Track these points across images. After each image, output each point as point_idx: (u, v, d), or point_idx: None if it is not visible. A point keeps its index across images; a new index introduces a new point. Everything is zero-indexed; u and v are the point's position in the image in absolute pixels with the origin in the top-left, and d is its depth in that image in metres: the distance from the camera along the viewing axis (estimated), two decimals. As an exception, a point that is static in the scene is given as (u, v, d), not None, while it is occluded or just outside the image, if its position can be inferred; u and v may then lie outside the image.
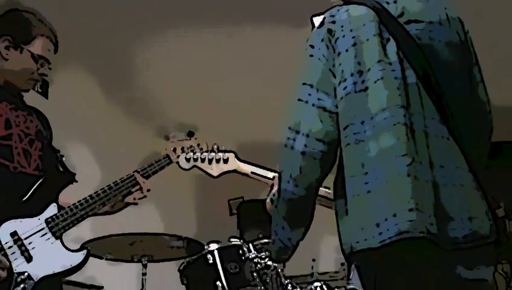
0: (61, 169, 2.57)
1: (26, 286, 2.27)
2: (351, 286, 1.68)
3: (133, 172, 2.63)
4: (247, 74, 4.60)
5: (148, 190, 2.64)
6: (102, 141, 4.60)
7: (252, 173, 2.57)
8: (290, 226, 1.80)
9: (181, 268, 3.43)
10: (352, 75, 1.68)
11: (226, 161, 2.62)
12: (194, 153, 2.68)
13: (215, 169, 2.63)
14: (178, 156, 2.69)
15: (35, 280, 2.30)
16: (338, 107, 1.70)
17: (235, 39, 4.45)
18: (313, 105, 1.71)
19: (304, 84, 1.75)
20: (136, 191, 2.62)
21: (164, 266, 3.72)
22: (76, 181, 2.53)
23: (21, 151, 2.43)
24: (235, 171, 2.63)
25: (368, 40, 1.70)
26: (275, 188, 1.86)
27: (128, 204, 2.65)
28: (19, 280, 2.27)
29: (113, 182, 2.57)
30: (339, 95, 1.70)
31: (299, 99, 1.74)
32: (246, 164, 2.62)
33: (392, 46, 1.70)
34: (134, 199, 2.63)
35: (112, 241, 3.32)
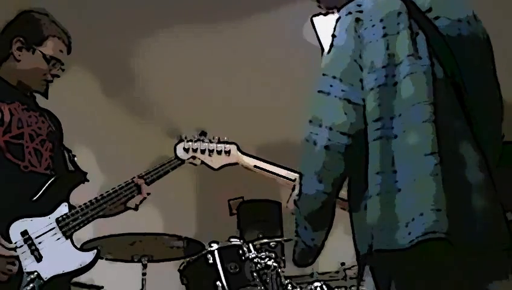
0: (72, 169, 2.58)
1: (35, 285, 2.25)
2: (364, 288, 1.65)
3: (133, 178, 2.58)
4: (249, 73, 4.60)
5: (148, 193, 2.59)
6: (105, 141, 4.60)
7: (255, 166, 2.43)
8: (312, 226, 1.69)
9: (181, 268, 3.43)
10: (384, 67, 1.61)
11: (227, 152, 2.49)
12: (194, 143, 2.55)
13: (215, 161, 2.50)
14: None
15: (45, 280, 2.29)
16: (366, 99, 1.62)
17: (236, 39, 4.44)
18: (336, 96, 1.63)
19: (325, 75, 1.66)
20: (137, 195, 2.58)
21: (164, 266, 3.72)
22: (88, 180, 2.53)
23: (32, 151, 2.43)
24: (237, 164, 2.50)
25: (398, 32, 1.64)
26: (297, 189, 1.73)
27: (128, 208, 2.61)
28: (28, 279, 2.25)
29: (118, 185, 2.55)
30: (368, 86, 1.62)
31: (319, 91, 1.65)
32: (248, 157, 2.48)
33: (421, 41, 1.64)
34: (136, 204, 2.58)
35: (112, 241, 3.32)
